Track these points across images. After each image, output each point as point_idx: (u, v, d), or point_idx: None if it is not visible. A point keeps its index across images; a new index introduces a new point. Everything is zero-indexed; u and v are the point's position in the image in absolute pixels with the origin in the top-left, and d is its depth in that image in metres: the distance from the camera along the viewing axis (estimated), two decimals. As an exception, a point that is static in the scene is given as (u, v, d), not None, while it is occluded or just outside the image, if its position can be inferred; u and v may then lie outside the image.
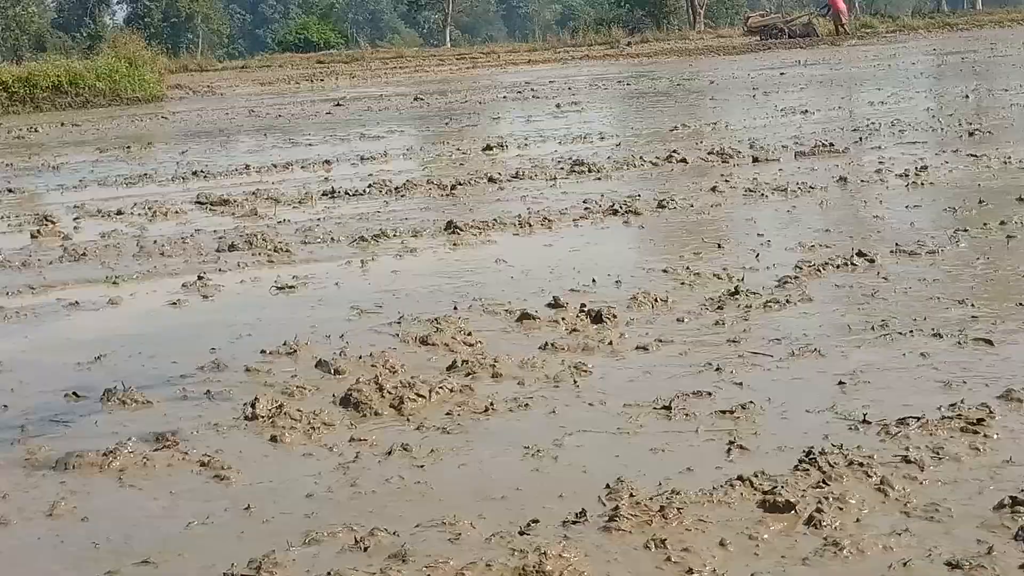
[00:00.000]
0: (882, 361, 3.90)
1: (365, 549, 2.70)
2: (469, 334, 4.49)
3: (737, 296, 4.83)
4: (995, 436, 3.16)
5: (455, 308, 4.97)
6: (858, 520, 2.71)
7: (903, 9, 58.11)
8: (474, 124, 15.62)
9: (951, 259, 5.39)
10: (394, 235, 6.89)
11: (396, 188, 8.97)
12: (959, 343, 4.05)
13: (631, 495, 2.87)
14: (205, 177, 10.77)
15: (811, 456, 3.03)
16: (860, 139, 10.40)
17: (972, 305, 4.54)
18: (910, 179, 7.81)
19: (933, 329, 4.22)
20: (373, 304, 5.17)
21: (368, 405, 3.71)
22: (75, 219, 8.40)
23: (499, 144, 12.01)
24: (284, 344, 4.48)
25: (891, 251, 5.56)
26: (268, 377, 4.13)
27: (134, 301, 5.66)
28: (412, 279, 5.70)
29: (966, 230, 5.95)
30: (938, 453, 3.07)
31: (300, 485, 3.14)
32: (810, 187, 7.70)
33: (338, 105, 20.85)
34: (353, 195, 8.80)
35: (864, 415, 3.37)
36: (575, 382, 3.86)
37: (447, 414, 3.62)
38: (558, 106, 17.38)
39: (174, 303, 5.52)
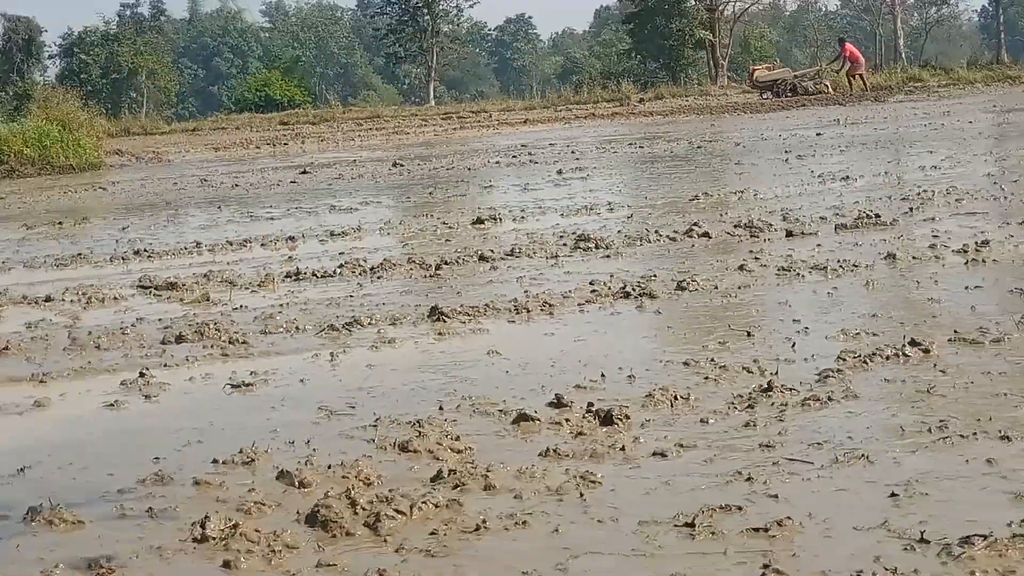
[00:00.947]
0: (941, 469, 3.87)
1: None
2: (457, 439, 4.46)
3: (771, 393, 4.81)
4: (1076, 557, 3.14)
5: (441, 408, 4.95)
6: (917, 658, 2.69)
7: (957, 60, 58.81)
8: (462, 194, 15.71)
9: (1019, 348, 5.38)
10: (369, 323, 6.88)
11: (372, 268, 9.00)
12: (1031, 447, 4.03)
13: (649, 630, 2.85)
14: (149, 257, 10.79)
15: (860, 582, 3.01)
16: (911, 210, 10.45)
17: (1046, 402, 4.54)
18: (970, 256, 7.84)
19: (1000, 431, 4.19)
20: (345, 404, 5.15)
21: (338, 524, 3.66)
22: (-4, 307, 8.38)
23: (492, 216, 12.09)
24: (240, 452, 4.44)
25: (949, 339, 5.55)
26: (221, 491, 4.08)
27: (64, 403, 5.63)
28: (390, 375, 5.69)
29: (1036, 314, 5.98)
30: (1010, 578, 3.04)
31: (258, 621, 3.11)
32: (853, 265, 7.72)
33: (304, 172, 21.01)
34: (321, 277, 8.81)
35: (922, 533, 3.34)
36: (581, 495, 3.83)
37: (431, 533, 3.58)
38: (560, 172, 17.52)
39: (111, 405, 5.47)
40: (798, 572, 3.17)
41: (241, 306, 7.82)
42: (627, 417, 4.57)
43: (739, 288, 7.30)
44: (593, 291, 7.38)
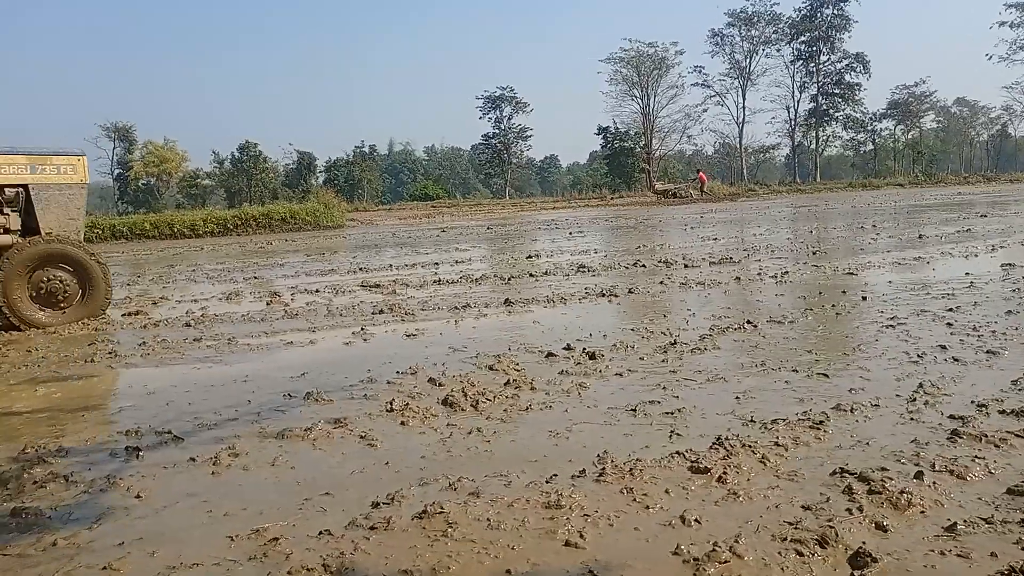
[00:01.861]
0: (762, 386, 3.84)
1: (455, 489, 2.69)
2: (517, 364, 4.48)
3: (675, 345, 4.79)
4: (830, 431, 3.10)
5: (508, 349, 4.97)
6: (748, 479, 2.66)
7: (773, 179, 58.19)
8: (521, 243, 15.72)
9: (802, 326, 5.31)
10: (474, 306, 6.91)
11: (476, 279, 9.03)
12: (808, 375, 3.98)
13: (612, 461, 2.84)
14: (366, 271, 10.89)
15: (720, 440, 2.99)
16: (747, 255, 10.33)
17: (815, 353, 4.47)
18: (778, 279, 7.74)
19: (792, 367, 4.15)
20: (461, 346, 5.18)
21: (458, 404, 3.70)
22: (291, 294, 8.49)
23: (535, 254, 12.06)
24: (409, 368, 4.49)
25: (767, 320, 5.49)
26: (399, 387, 4.13)
27: (324, 341, 5.71)
28: (484, 332, 5.71)
29: (811, 309, 5.89)
30: (796, 441, 3.01)
31: (417, 450, 3.14)
32: (718, 282, 7.65)
33: (443, 231, 21.13)
34: (450, 283, 8.86)
35: (751, 417, 3.32)
36: (579, 394, 3.83)
37: (504, 410, 3.61)
38: (570, 234, 17.47)
39: (347, 343, 5.55)
40: (689, 434, 3.16)
41: (411, 296, 7.87)
42: (603, 355, 4.56)
43: (660, 293, 7.26)
44: (586, 292, 7.36)
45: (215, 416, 3.74)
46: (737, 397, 3.64)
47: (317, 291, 8.62)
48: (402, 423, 3.49)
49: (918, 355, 4.25)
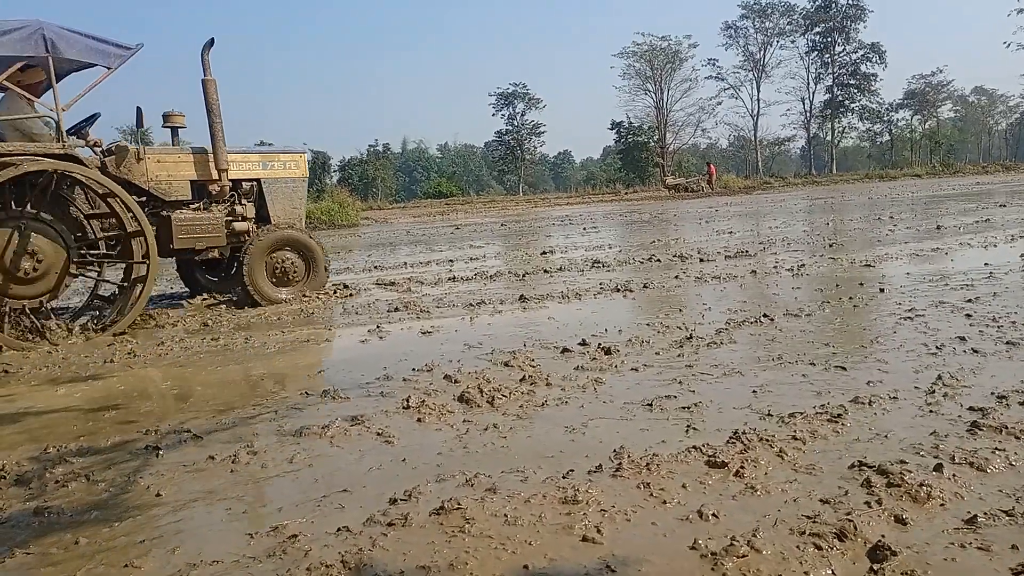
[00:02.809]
0: (779, 379, 3.81)
1: (472, 485, 2.70)
2: (532, 360, 4.48)
3: (691, 340, 4.77)
4: (848, 424, 3.08)
5: (524, 345, 4.97)
6: (766, 473, 2.65)
7: (788, 171, 57.78)
8: (536, 239, 15.72)
9: (819, 319, 5.27)
10: (489, 303, 6.92)
11: (491, 276, 9.04)
12: (825, 368, 3.95)
13: (628, 456, 2.84)
14: (381, 269, 10.94)
15: (737, 434, 2.98)
16: (764, 248, 10.28)
17: (832, 346, 4.44)
18: (794, 272, 7.69)
19: (809, 360, 4.12)
20: (476, 343, 5.19)
21: (474, 401, 3.71)
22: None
23: (550, 251, 12.07)
24: (425, 365, 4.51)
25: (784, 314, 5.46)
26: (416, 384, 4.14)
27: (339, 339, 5.75)
28: (499, 328, 5.72)
29: (828, 302, 5.84)
30: (814, 434, 2.99)
31: (434, 447, 3.15)
32: (734, 276, 7.61)
33: (457, 228, 21.16)
34: (465, 280, 8.88)
35: (768, 411, 3.30)
36: (595, 389, 3.82)
37: (520, 406, 3.61)
38: (584, 229, 17.45)
39: (363, 341, 5.58)
40: (705, 429, 3.15)
41: (426, 294, 7.89)
42: (618, 351, 4.56)
43: (675, 287, 7.23)
44: (601, 288, 7.35)
45: (234, 414, 3.77)
46: (754, 391, 3.62)
47: (335, 291, 8.67)
48: (418, 420, 3.50)
49: (937, 347, 4.20)
